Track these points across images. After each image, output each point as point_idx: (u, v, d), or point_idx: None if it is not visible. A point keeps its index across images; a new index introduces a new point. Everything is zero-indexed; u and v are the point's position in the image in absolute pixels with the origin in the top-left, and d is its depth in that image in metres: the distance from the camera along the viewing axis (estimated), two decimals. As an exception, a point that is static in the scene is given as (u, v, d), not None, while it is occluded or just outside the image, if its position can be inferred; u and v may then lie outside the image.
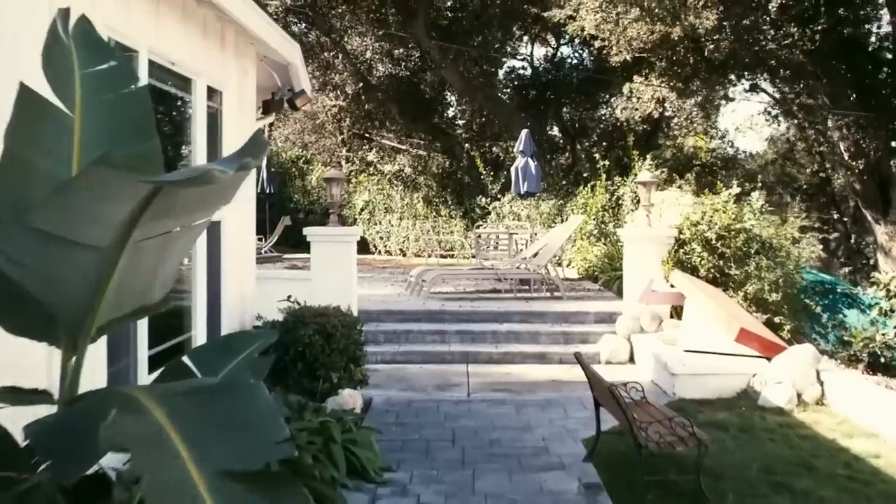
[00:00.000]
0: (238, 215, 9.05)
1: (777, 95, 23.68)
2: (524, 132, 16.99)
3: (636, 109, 16.77)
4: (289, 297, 9.61)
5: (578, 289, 15.95)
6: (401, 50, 28.79)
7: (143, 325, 6.35)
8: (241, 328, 9.06)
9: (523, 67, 31.38)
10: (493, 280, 15.29)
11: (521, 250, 18.15)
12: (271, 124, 35.54)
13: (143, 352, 6.36)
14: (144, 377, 6.35)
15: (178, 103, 7.72)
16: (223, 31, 8.35)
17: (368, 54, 28.88)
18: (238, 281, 9.04)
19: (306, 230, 12.23)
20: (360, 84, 26.54)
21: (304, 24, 27.83)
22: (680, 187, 19.52)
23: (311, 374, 8.54)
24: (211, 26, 7.97)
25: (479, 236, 19.81)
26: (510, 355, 11.74)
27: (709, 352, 10.67)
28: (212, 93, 8.29)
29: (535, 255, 15.79)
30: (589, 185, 21.18)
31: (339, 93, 26.76)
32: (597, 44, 16.52)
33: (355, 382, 9.09)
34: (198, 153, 7.72)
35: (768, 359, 10.21)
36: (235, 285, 8.94)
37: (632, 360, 11.85)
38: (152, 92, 6.69)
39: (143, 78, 6.30)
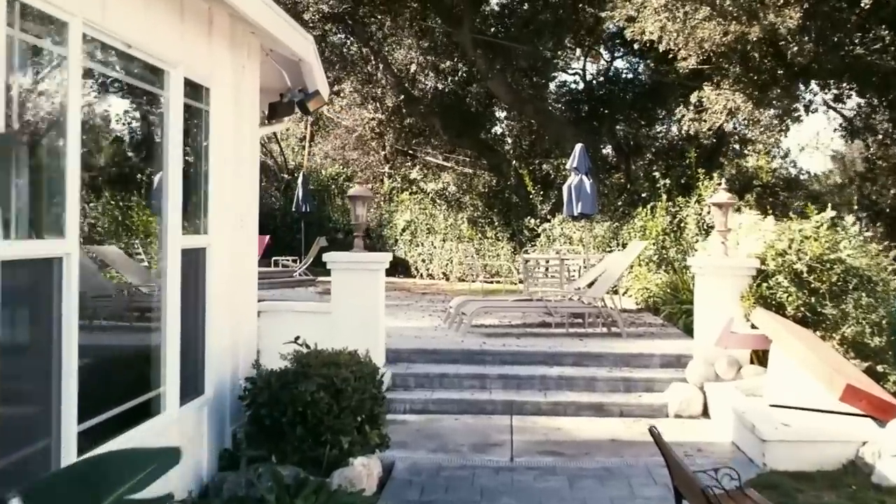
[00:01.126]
0: (232, 239, 7.43)
1: (850, 113, 21.78)
2: (578, 147, 15.28)
3: (704, 121, 14.96)
4: (296, 338, 7.95)
5: (638, 323, 14.14)
6: (447, 63, 27.28)
7: (68, 385, 4.71)
8: (231, 380, 7.43)
9: (575, 81, 29.78)
10: (542, 312, 13.52)
11: (574, 278, 16.37)
12: (312, 138, 34.28)
13: (69, 425, 4.73)
14: (72, 461, 4.72)
15: (143, 98, 6.12)
16: (211, 13, 6.76)
17: (413, 67, 27.46)
18: (230, 320, 7.42)
19: (326, 256, 10.61)
20: (402, 96, 24.98)
21: (343, 35, 26.44)
22: (739, 209, 17.75)
23: (316, 439, 6.87)
24: (192, 6, 6.37)
25: (528, 262, 18.07)
26: (561, 406, 9.99)
27: (800, 408, 8.84)
28: (195, 89, 6.69)
29: (591, 284, 14.02)
30: (648, 207, 19.38)
31: (378, 105, 25.24)
32: (661, 47, 14.73)
33: (372, 446, 7.41)
34: (171, 161, 6.10)
35: (876, 419, 8.37)
36: (226, 326, 7.31)
37: (706, 413, 10.03)
38: (92, 79, 5.11)
39: (75, 56, 4.70)
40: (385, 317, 12.00)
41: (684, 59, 14.48)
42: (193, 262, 6.73)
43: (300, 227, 26.96)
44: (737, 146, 27.71)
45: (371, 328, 10.46)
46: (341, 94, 28.68)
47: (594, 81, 28.89)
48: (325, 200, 29.94)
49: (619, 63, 29.14)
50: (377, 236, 27.65)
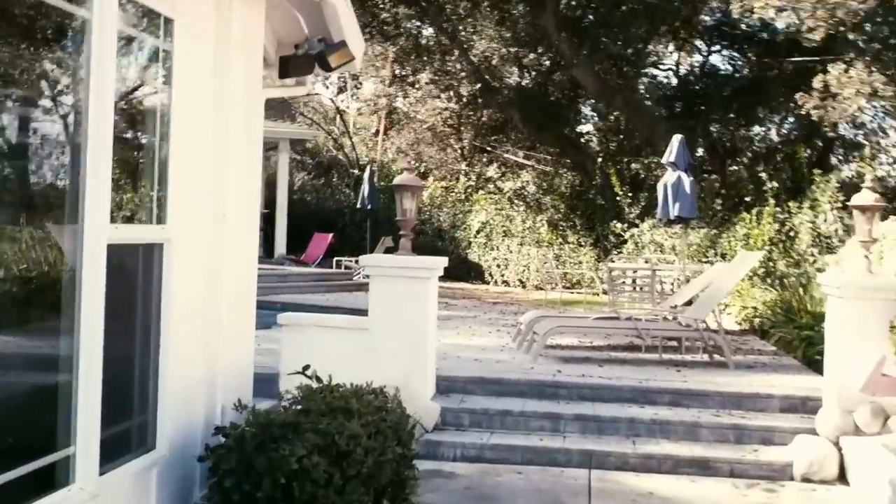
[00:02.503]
0: (212, 233, 5.43)
1: None
2: (677, 139, 13.00)
3: (832, 108, 12.55)
4: (304, 368, 5.93)
5: (745, 349, 11.80)
6: (531, 56, 25.21)
7: None
8: (205, 426, 5.40)
9: (667, 77, 27.58)
10: (630, 332, 11.29)
11: (666, 295, 14.09)
12: (385, 132, 32.40)
13: None
14: None
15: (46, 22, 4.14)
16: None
17: (494, 60, 25.47)
18: (204, 343, 5.41)
19: (363, 259, 8.61)
20: (478, 85, 22.87)
21: (417, 21, 24.57)
22: (841, 219, 15.38)
23: (308, 521, 4.82)
24: None
25: (613, 272, 15.81)
26: (655, 460, 7.77)
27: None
28: (150, 19, 4.70)
29: (689, 302, 11.76)
30: (753, 212, 17.00)
31: (452, 94, 23.18)
32: (781, 21, 12.36)
33: (394, 526, 5.33)
34: (93, 115, 4.10)
35: None
36: (196, 352, 5.31)
37: (842, 477, 7.70)
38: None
39: None
40: (443, 331, 10.04)
41: (811, 30, 12.02)
42: (141, 263, 4.76)
43: (362, 226, 25.17)
44: (842, 150, 25.16)
45: (417, 350, 8.41)
46: (416, 86, 26.98)
47: (689, 76, 26.62)
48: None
49: (715, 59, 26.91)
50: (450, 238, 25.66)
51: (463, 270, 24.33)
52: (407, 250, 8.66)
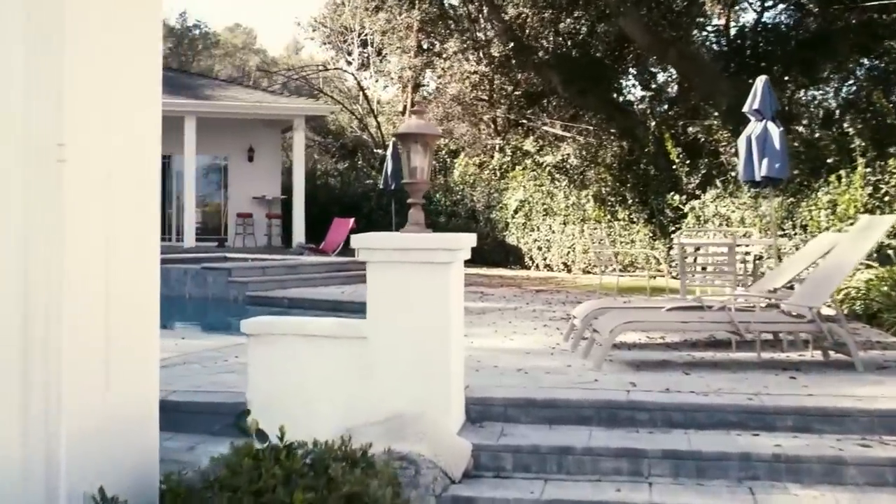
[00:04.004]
0: (22, 187, 3.01)
1: None
2: (761, 80, 10.45)
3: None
4: (239, 416, 3.61)
5: (858, 341, 9.17)
6: (567, 21, 22.71)
7: None
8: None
9: (716, 36, 25.16)
10: (709, 323, 8.72)
11: (749, 276, 11.59)
12: (413, 107, 29.93)
13: None
14: None
15: None
16: None
17: (528, 26, 23.07)
18: (18, 400, 2.99)
19: (355, 239, 6.10)
20: (511, 45, 20.30)
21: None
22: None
23: None
24: None
25: (677, 248, 13.28)
26: (788, 520, 5.28)
27: None
28: None
29: (789, 284, 9.26)
30: (842, 174, 14.47)
31: (481, 56, 20.64)
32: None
33: None
34: None
35: None
36: (6, 415, 2.90)
37: None
38: None
39: None
40: (476, 329, 8.01)
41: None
42: None
43: (388, 209, 22.95)
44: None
45: (436, 364, 5.96)
46: (444, 56, 24.75)
47: (747, 31, 24.14)
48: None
49: (768, 16, 24.39)
50: (485, 220, 23.28)
51: (500, 255, 22.05)
52: (418, 224, 6.19)
